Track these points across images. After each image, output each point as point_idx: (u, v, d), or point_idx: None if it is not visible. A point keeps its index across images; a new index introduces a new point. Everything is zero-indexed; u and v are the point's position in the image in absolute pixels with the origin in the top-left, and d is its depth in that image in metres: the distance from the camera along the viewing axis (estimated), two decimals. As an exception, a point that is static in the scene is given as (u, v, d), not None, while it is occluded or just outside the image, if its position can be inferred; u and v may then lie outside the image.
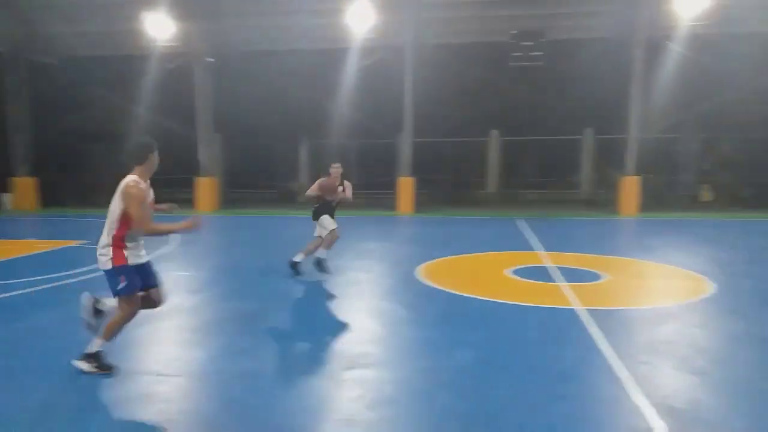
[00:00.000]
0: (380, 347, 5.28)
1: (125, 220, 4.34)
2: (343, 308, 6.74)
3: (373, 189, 20.77)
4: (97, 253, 4.43)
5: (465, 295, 7.11)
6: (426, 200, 18.72)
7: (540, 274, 8.23)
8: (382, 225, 15.18)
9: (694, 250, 10.71)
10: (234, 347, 5.28)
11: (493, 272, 8.59)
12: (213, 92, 18.20)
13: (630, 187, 16.28)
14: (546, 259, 9.36)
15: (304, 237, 12.19)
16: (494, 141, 21.06)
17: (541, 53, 16.27)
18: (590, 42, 17.15)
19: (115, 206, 4.35)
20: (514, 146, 21.08)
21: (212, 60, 18.01)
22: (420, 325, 5.97)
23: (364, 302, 7.02)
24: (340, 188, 8.12)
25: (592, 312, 6.18)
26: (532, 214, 16.32)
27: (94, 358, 4.49)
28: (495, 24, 17.00)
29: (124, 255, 4.37)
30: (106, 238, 4.39)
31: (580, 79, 17.25)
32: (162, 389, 4.31)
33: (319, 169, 21.83)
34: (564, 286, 7.47)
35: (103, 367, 4.49)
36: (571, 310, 6.31)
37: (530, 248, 10.51)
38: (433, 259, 9.44)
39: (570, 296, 6.90)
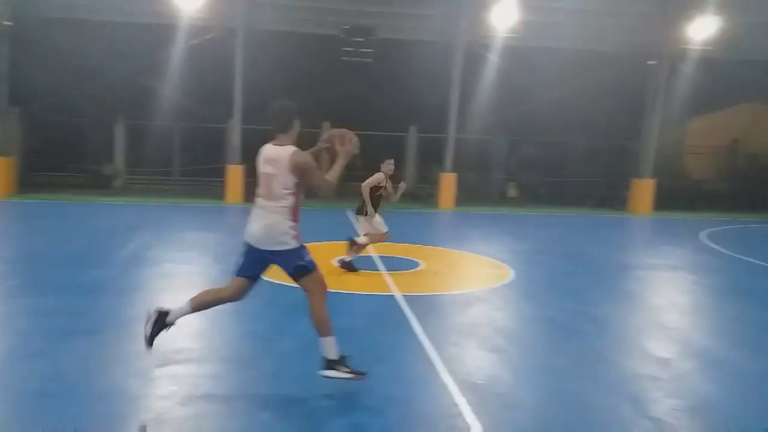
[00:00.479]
0: (200, 342, 5.09)
1: (297, 192, 3.94)
2: (158, 302, 6.34)
3: (200, 176, 19.84)
4: (272, 233, 3.91)
5: (286, 284, 7.09)
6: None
7: (365, 263, 8.52)
8: (207, 214, 14.56)
9: (499, 241, 11.90)
10: (25, 350, 4.70)
11: (322, 262, 8.67)
12: (9, 60, 15.90)
13: (448, 183, 17.55)
14: (370, 248, 9.71)
15: (116, 225, 11.27)
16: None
17: (371, 50, 16.79)
18: (417, 44, 18.08)
19: (284, 180, 3.87)
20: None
21: (9, 23, 15.72)
22: (243, 317, 5.84)
23: (182, 295, 6.66)
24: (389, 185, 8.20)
25: (408, 298, 6.57)
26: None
27: (339, 363, 3.99)
28: (328, 17, 17.14)
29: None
30: (280, 216, 3.88)
31: (407, 79, 18.10)
32: (-71, 401, 3.70)
33: (138, 152, 20.32)
34: (385, 274, 7.83)
35: (353, 370, 4.00)
36: (391, 297, 6.65)
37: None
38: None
39: (390, 284, 7.26)
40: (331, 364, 3.97)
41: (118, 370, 4.31)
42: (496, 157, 22.00)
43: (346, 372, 3.96)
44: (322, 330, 4.01)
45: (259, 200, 4.07)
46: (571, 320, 6.15)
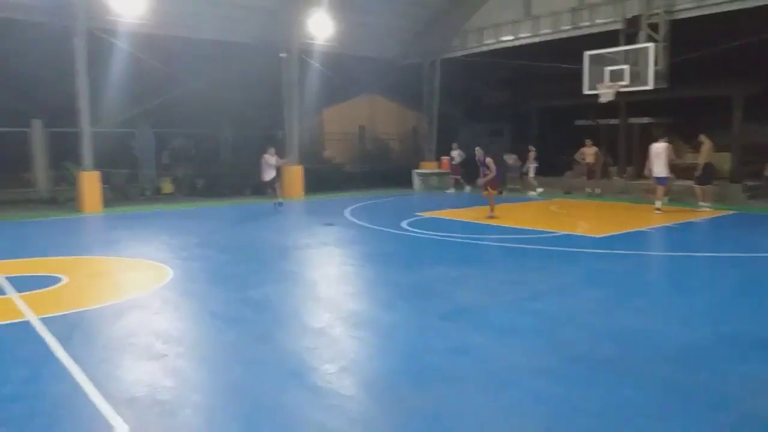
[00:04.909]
0: None
1: None
2: None
3: None
4: None
5: None
6: None
7: (-17, 288, 7.02)
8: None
9: (156, 240, 11.26)
10: None
11: None
12: None
13: (90, 183, 15.73)
14: (-8, 270, 8.06)
15: None
16: None
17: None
18: (26, 24, 15.48)
19: None
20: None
21: None
22: None
23: None
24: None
25: (47, 320, 5.66)
26: (-24, 219, 13.83)
27: None
28: None
29: None
30: None
31: (19, 65, 15.43)
32: None
33: None
34: (14, 297, 6.59)
35: None
36: (24, 323, 5.63)
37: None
38: None
39: (22, 307, 6.14)
40: None
41: None
42: (144, 151, 20.69)
43: None
44: None
45: None
46: (234, 309, 6.21)
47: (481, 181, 13.15)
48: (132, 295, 6.88)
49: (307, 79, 20.58)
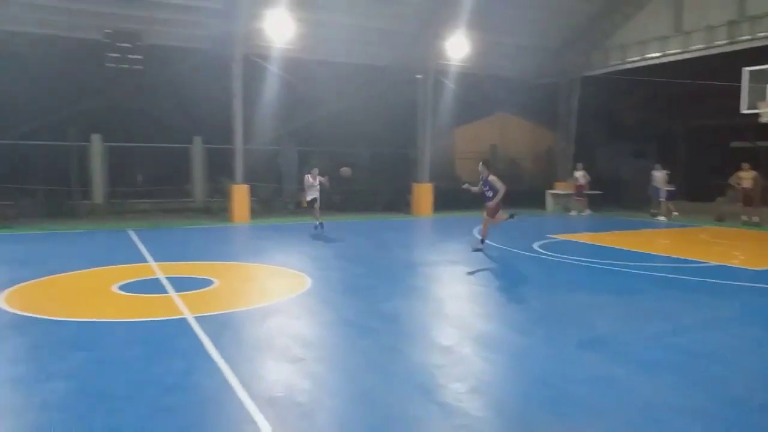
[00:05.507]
0: (-61, 400, 4.21)
1: None
2: None
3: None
4: None
5: (62, 319, 6.29)
6: (13, 213, 15.90)
7: (151, 286, 7.91)
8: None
9: (296, 251, 11.94)
10: None
11: (98, 290, 7.84)
12: None
13: (240, 195, 17.14)
14: (157, 270, 9.05)
15: None
16: (96, 146, 19.16)
17: (140, 57, 15.60)
18: (192, 51, 17.33)
19: None
20: (120, 153, 19.58)
21: None
22: (2, 363, 5.00)
23: None
24: None
25: (201, 319, 6.24)
26: (144, 225, 15.59)
27: None
28: (85, 19, 15.48)
29: None
30: None
31: (186, 88, 17.26)
32: None
33: None
34: (174, 296, 7.34)
35: None
36: (182, 320, 6.25)
37: (141, 260, 9.99)
38: (24, 282, 8.06)
39: (180, 306, 6.82)
40: None
41: None
42: (288, 167, 22.10)
43: None
44: None
45: None
46: (365, 320, 6.42)
47: (490, 204, 10.90)
48: (275, 300, 7.37)
49: (441, 98, 20.85)
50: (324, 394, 4.37)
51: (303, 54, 17.91)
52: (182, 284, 7.99)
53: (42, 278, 8.45)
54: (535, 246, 12.00)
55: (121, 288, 7.77)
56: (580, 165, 20.54)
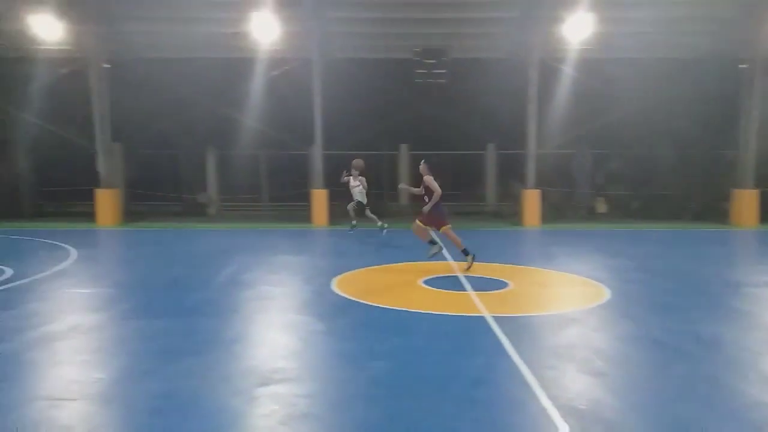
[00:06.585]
0: (294, 362, 5.20)
1: None
2: (256, 323, 6.58)
3: (286, 201, 20.47)
4: None
5: (380, 305, 7.17)
6: (339, 212, 18.70)
7: (451, 283, 8.46)
8: (296, 237, 14.98)
9: (591, 259, 11.43)
10: (139, 367, 5.00)
11: (407, 283, 8.73)
12: (111, 100, 17.24)
13: (531, 200, 17.15)
14: (456, 268, 9.64)
15: (213, 250, 11.89)
16: (404, 154, 21.45)
17: (444, 71, 16.83)
18: (490, 61, 17.98)
19: None
20: (421, 160, 21.55)
21: (108, 66, 17.08)
22: (334, 338, 5.95)
23: (277, 316, 6.90)
24: None
25: (498, 319, 6.43)
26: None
27: None
28: (399, 41, 17.39)
29: None
30: None
31: (482, 97, 17.98)
32: (60, 415, 4.01)
33: (228, 180, 21.32)
34: (473, 294, 7.72)
35: None
36: (481, 318, 6.53)
37: (443, 258, 10.76)
38: (349, 270, 9.44)
39: (478, 304, 7.14)
40: None
41: (221, 390, 4.48)
42: (581, 171, 21.27)
43: None
44: None
45: None
46: (677, 341, 5.78)
47: (425, 208, 9.58)
48: (570, 308, 7.18)
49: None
50: (633, 414, 4.08)
51: (600, 53, 17.06)
52: (479, 284, 8.35)
53: (363, 268, 9.77)
54: None
55: (426, 282, 8.49)
56: None
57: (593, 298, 7.60)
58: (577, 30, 16.17)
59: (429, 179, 9.62)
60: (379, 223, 14.35)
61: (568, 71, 17.50)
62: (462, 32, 17.23)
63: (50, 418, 3.95)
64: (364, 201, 14.36)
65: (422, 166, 9.84)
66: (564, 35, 16.40)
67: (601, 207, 20.19)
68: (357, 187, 14.27)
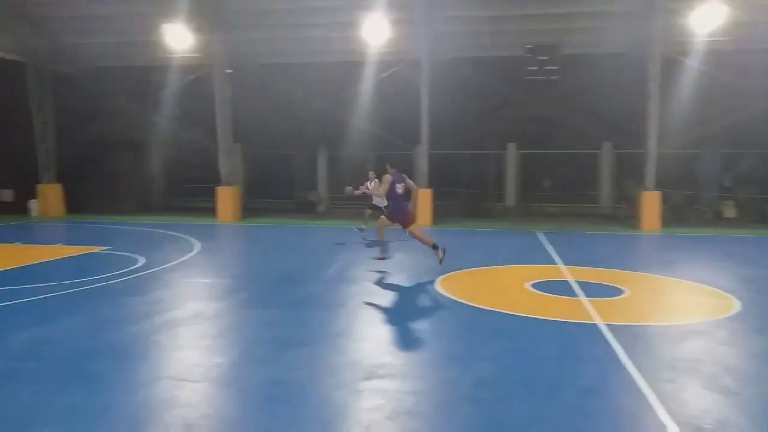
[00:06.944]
0: (399, 358, 5.25)
1: None
2: (362, 319, 6.73)
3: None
4: None
5: (485, 308, 7.07)
6: (444, 212, 18.67)
7: (560, 288, 8.15)
8: (400, 235, 15.11)
9: (718, 267, 10.51)
10: (254, 355, 5.30)
11: (513, 285, 8.53)
12: (232, 103, 18.37)
13: (651, 202, 16.08)
14: (566, 273, 9.27)
15: (323, 246, 12.29)
16: (512, 154, 20.96)
17: (556, 67, 16.18)
18: (605, 57, 17.07)
19: None
20: (531, 159, 20.99)
21: (230, 71, 18.21)
22: (439, 338, 5.94)
23: (383, 313, 7.00)
24: None
25: (612, 327, 6.09)
26: (552, 228, 16.19)
27: None
28: (509, 38, 16.98)
29: None
30: None
31: (596, 94, 17.15)
32: (183, 394, 4.34)
33: (338, 179, 22.03)
34: (584, 300, 7.38)
35: None
36: (593, 325, 6.23)
37: (550, 262, 10.40)
38: (453, 271, 9.39)
39: (591, 311, 6.81)
40: None
41: (328, 381, 4.62)
42: (707, 172, 19.66)
43: None
44: None
45: None
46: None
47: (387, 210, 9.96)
48: (693, 319, 6.65)
49: None
50: (763, 439, 3.71)
51: (732, 44, 15.64)
52: (591, 289, 7.96)
53: (467, 269, 9.67)
54: None
55: (533, 286, 8.24)
56: None
57: (720, 309, 6.99)
58: (707, 20, 14.97)
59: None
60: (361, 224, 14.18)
61: (693, 65, 16.24)
62: (575, 27, 16.53)
63: (175, 396, 4.28)
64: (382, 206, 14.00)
65: (388, 168, 9.99)
66: (690, 26, 15.24)
67: (729, 211, 18.52)
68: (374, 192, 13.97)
